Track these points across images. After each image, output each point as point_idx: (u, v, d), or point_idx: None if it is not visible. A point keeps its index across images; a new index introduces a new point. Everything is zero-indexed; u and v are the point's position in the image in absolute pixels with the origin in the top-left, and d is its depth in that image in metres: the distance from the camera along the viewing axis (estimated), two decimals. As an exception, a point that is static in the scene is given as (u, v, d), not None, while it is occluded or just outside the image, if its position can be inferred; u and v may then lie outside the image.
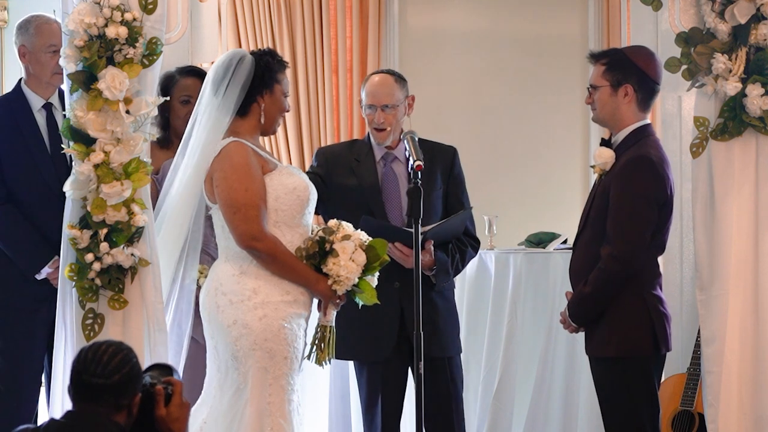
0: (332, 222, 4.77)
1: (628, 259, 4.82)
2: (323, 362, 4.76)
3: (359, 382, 5.36)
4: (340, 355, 5.27)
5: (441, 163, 5.35)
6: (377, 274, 4.79)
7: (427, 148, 5.31)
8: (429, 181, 5.25)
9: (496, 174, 8.11)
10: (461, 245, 5.34)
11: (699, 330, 5.26)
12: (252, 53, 4.77)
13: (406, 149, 4.91)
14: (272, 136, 7.92)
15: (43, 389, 5.30)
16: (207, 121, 4.75)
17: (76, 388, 3.50)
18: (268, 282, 4.65)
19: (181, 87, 5.25)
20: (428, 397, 5.20)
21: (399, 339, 5.22)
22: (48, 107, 5.35)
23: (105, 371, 3.50)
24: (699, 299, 5.18)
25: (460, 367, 5.38)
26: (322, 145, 8.02)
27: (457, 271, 5.36)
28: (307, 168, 5.50)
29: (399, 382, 5.29)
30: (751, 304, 5.12)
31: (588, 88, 5.02)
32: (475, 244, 5.42)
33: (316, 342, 4.74)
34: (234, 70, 4.70)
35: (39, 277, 5.23)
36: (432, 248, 5.20)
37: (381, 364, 5.24)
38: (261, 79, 4.72)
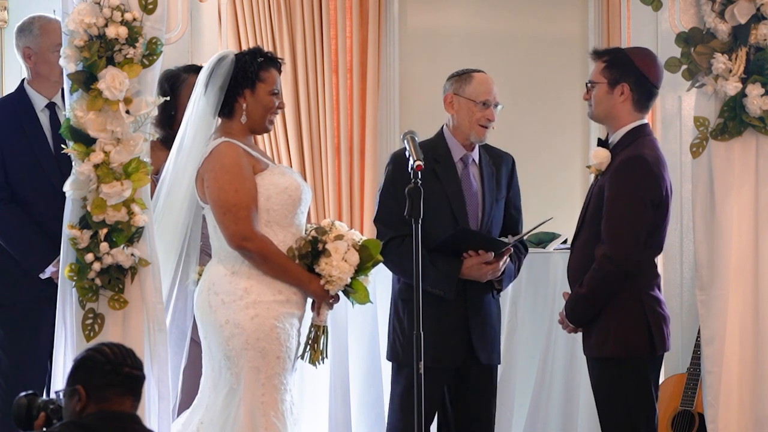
0: (325, 222, 4.79)
1: (622, 259, 4.82)
2: (317, 362, 4.76)
3: (396, 380, 5.30)
4: (402, 360, 5.24)
5: (505, 170, 5.34)
6: (371, 274, 4.79)
7: (490, 152, 5.32)
8: (497, 188, 5.27)
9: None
10: (518, 252, 5.34)
11: (699, 330, 5.26)
12: (236, 53, 4.77)
13: (406, 149, 4.89)
14: (272, 137, 7.92)
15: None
16: (194, 121, 4.78)
17: (119, 380, 3.47)
18: (260, 282, 4.66)
19: (192, 85, 5.23)
20: (477, 404, 5.23)
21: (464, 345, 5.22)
22: (51, 107, 5.37)
23: (138, 363, 3.51)
24: (699, 299, 5.19)
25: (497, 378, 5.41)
26: (322, 145, 8.01)
27: (515, 278, 5.38)
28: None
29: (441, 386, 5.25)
30: (751, 304, 5.12)
31: (586, 84, 5.03)
32: (525, 252, 5.42)
33: (310, 342, 4.74)
34: (212, 71, 4.72)
35: (43, 276, 5.23)
36: (507, 258, 5.21)
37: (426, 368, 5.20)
38: (237, 79, 4.71)
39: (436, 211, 5.10)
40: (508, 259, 5.24)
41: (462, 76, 5.29)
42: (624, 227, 4.84)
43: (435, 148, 5.26)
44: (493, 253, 5.14)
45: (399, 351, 5.26)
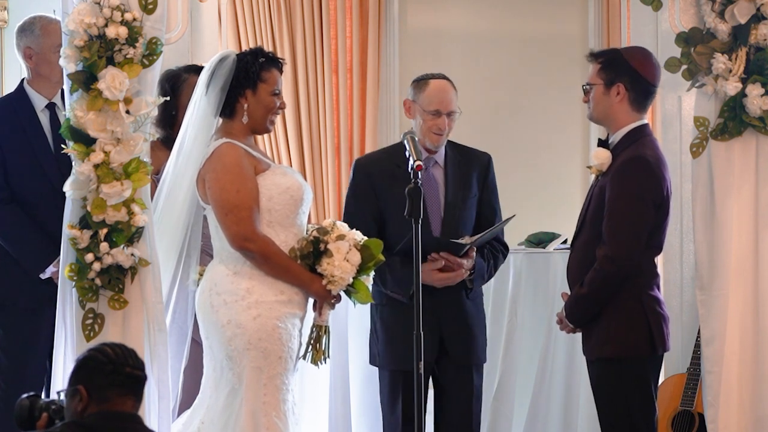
0: (327, 222, 4.79)
1: (624, 259, 4.82)
2: (318, 362, 4.76)
3: (381, 385, 5.34)
4: (381, 364, 5.30)
5: (477, 169, 5.33)
6: (372, 273, 4.80)
7: (462, 153, 5.33)
8: (464, 187, 5.26)
9: (496, 174, 8.09)
10: (494, 251, 5.34)
11: (699, 330, 5.26)
12: (237, 53, 4.77)
13: (406, 149, 4.91)
14: (272, 137, 7.93)
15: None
16: (196, 121, 4.78)
17: (120, 380, 3.47)
18: (262, 282, 4.66)
19: (193, 85, 5.22)
20: (455, 402, 5.23)
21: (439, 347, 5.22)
22: (51, 107, 5.37)
23: (140, 364, 3.51)
24: (699, 299, 5.19)
25: (483, 375, 5.41)
26: (322, 145, 8.03)
27: (490, 277, 5.37)
28: (348, 183, 5.46)
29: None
30: (751, 304, 5.12)
31: (584, 87, 5.04)
32: (505, 251, 5.41)
33: (312, 342, 4.74)
34: (213, 72, 4.72)
35: (43, 276, 5.24)
36: (474, 255, 5.21)
37: (401, 371, 5.23)
38: (239, 79, 4.71)
39: (395, 214, 5.13)
40: (481, 259, 5.24)
41: (419, 83, 5.31)
42: (625, 227, 4.84)
43: (398, 153, 5.29)
44: (456, 257, 5.14)
45: (376, 354, 5.33)
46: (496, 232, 5.29)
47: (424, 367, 5.08)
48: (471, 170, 5.31)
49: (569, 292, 5.07)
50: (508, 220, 5.27)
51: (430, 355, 5.15)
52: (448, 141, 5.34)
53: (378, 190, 5.25)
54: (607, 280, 4.85)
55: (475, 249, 5.21)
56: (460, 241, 5.14)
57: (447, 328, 5.18)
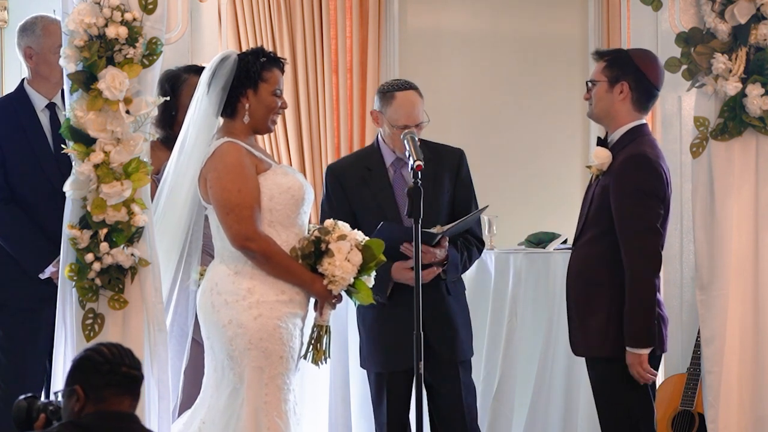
0: (328, 222, 4.78)
1: (651, 249, 4.79)
2: (319, 362, 4.76)
3: (369, 387, 5.37)
4: (366, 366, 5.34)
5: (448, 166, 5.33)
6: (373, 273, 4.79)
7: (433, 150, 5.31)
8: (435, 184, 5.25)
9: (496, 174, 8.11)
10: (467, 243, 5.34)
11: (699, 330, 5.27)
12: (238, 53, 4.78)
13: (406, 149, 4.91)
14: (272, 137, 7.93)
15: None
16: (197, 121, 4.78)
17: (117, 380, 3.47)
18: (264, 282, 4.66)
19: (193, 85, 5.23)
20: (444, 398, 5.24)
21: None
22: (51, 107, 5.38)
23: (136, 363, 3.51)
24: (699, 299, 5.18)
25: (471, 369, 5.41)
26: (322, 145, 8.03)
27: (465, 269, 5.36)
28: (321, 187, 5.48)
29: (407, 388, 5.28)
30: (751, 304, 5.12)
31: (587, 83, 5.05)
32: (480, 246, 5.41)
33: (312, 342, 4.74)
34: (215, 71, 4.72)
35: (43, 276, 5.24)
36: (447, 245, 5.20)
37: (386, 373, 5.24)
38: (240, 79, 4.71)
39: (369, 216, 5.19)
40: (454, 249, 5.23)
41: (386, 95, 5.27)
42: (641, 223, 4.81)
43: (369, 157, 5.35)
44: (428, 246, 5.12)
45: (363, 357, 5.36)
46: (468, 223, 5.27)
47: (407, 370, 5.11)
48: (442, 168, 5.31)
49: (570, 296, 5.04)
50: (480, 210, 5.27)
51: (413, 357, 5.17)
52: (420, 139, 5.34)
53: (349, 194, 5.28)
54: (646, 280, 4.80)
55: (448, 239, 5.20)
56: (431, 230, 5.13)
57: (430, 326, 5.16)
